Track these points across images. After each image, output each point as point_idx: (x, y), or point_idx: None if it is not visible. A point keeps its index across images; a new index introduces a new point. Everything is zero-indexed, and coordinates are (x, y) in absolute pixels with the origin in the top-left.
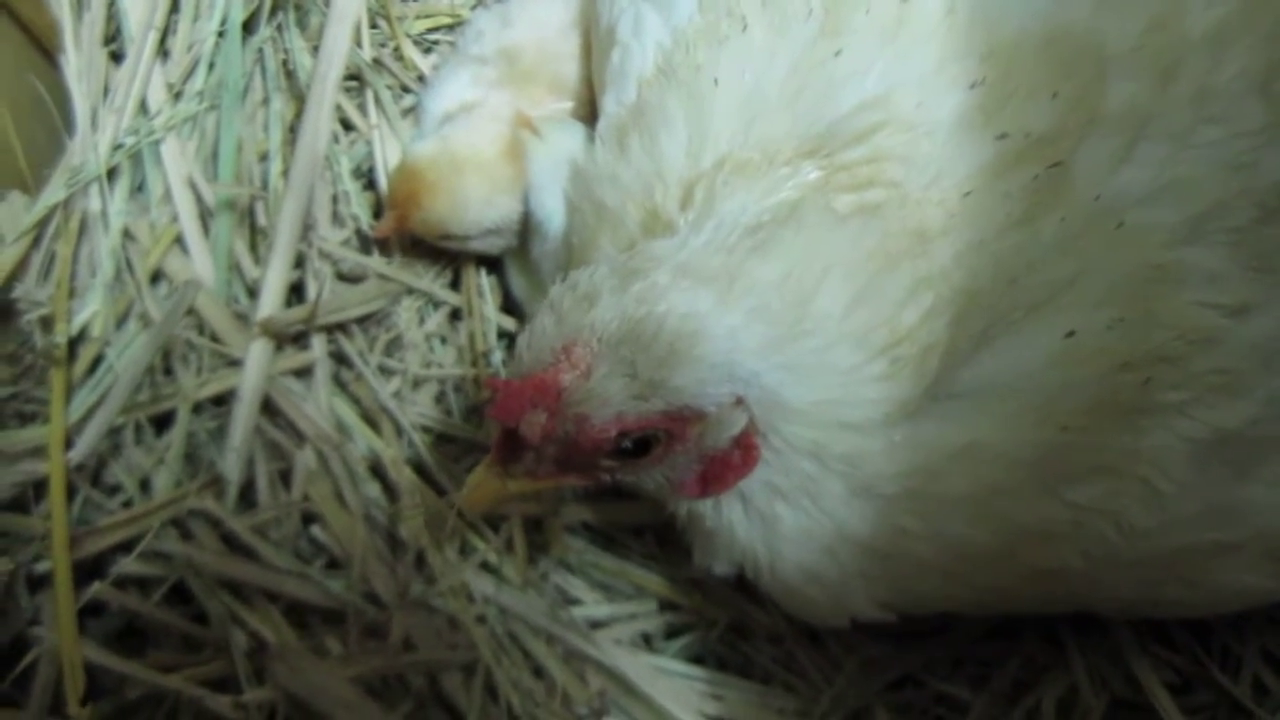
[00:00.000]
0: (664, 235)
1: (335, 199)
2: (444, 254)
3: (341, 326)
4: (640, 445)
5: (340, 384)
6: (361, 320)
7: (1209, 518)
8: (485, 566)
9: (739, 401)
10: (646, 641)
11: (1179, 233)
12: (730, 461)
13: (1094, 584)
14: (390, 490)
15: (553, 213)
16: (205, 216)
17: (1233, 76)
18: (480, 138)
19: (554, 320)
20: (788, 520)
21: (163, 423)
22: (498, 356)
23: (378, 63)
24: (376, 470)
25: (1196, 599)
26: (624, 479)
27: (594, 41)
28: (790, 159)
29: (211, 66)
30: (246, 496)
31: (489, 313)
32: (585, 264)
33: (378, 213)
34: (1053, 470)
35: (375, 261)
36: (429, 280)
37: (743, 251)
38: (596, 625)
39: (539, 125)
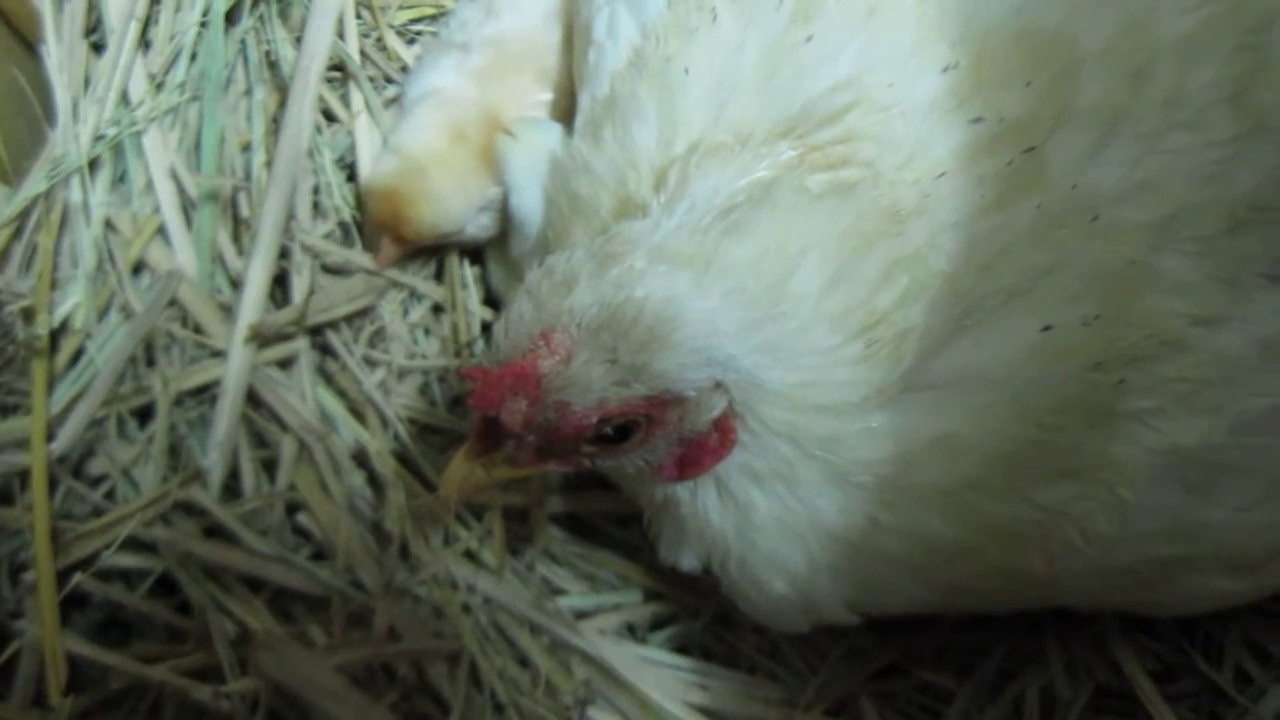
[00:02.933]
0: (637, 218)
1: (318, 190)
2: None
3: (329, 324)
4: (621, 431)
5: (324, 375)
6: (348, 316)
7: (1169, 533)
8: (470, 556)
9: (718, 385)
10: (631, 631)
11: (1148, 235)
12: (707, 444)
13: (1058, 587)
14: (375, 480)
15: (532, 212)
16: (187, 207)
17: (1203, 85)
18: (431, 134)
19: (531, 306)
20: (761, 507)
21: (145, 414)
22: (480, 348)
23: (361, 53)
24: (361, 460)
25: (1161, 601)
26: (604, 464)
27: (575, 36)
28: (763, 140)
29: (193, 57)
30: (230, 487)
31: (472, 306)
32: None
33: (359, 203)
34: (1025, 468)
35: (359, 255)
36: (412, 274)
37: (717, 233)
38: (581, 615)
39: (513, 126)
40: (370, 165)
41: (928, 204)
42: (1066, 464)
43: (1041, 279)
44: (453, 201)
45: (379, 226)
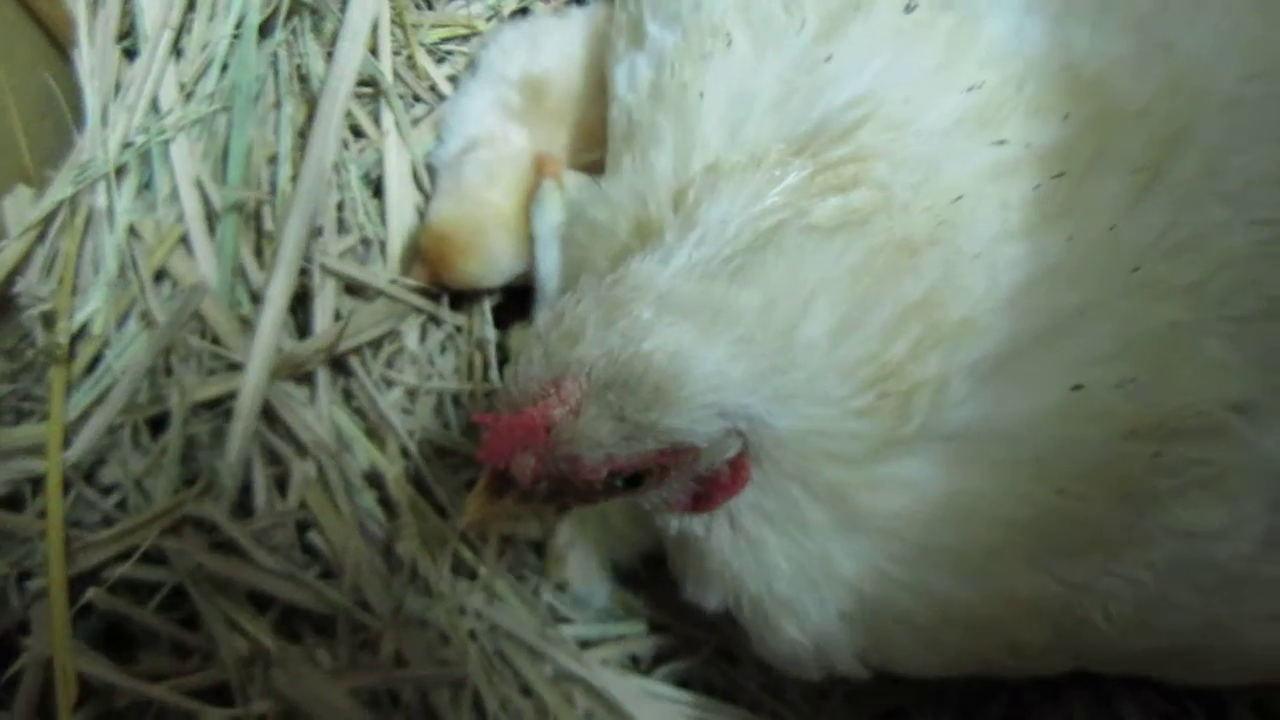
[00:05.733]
0: (655, 241)
1: (342, 205)
2: None
3: (352, 350)
4: (633, 478)
5: (342, 393)
6: (370, 342)
7: (1193, 629)
8: (478, 582)
9: (731, 429)
10: (634, 663)
11: (1191, 301)
12: (720, 481)
13: (1078, 659)
14: (387, 501)
15: (551, 272)
16: (211, 218)
17: (1250, 161)
18: (498, 193)
19: (541, 354)
20: (772, 546)
21: (158, 424)
22: (495, 374)
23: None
24: (373, 481)
25: (1179, 678)
26: (619, 502)
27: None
28: (777, 161)
29: (225, 68)
30: (242, 503)
31: (489, 334)
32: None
33: (384, 219)
34: (1047, 538)
35: (381, 275)
36: (432, 300)
37: (724, 279)
38: (585, 645)
39: (564, 175)
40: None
41: (942, 232)
42: (1092, 537)
43: (1071, 325)
44: (502, 262)
45: (425, 259)
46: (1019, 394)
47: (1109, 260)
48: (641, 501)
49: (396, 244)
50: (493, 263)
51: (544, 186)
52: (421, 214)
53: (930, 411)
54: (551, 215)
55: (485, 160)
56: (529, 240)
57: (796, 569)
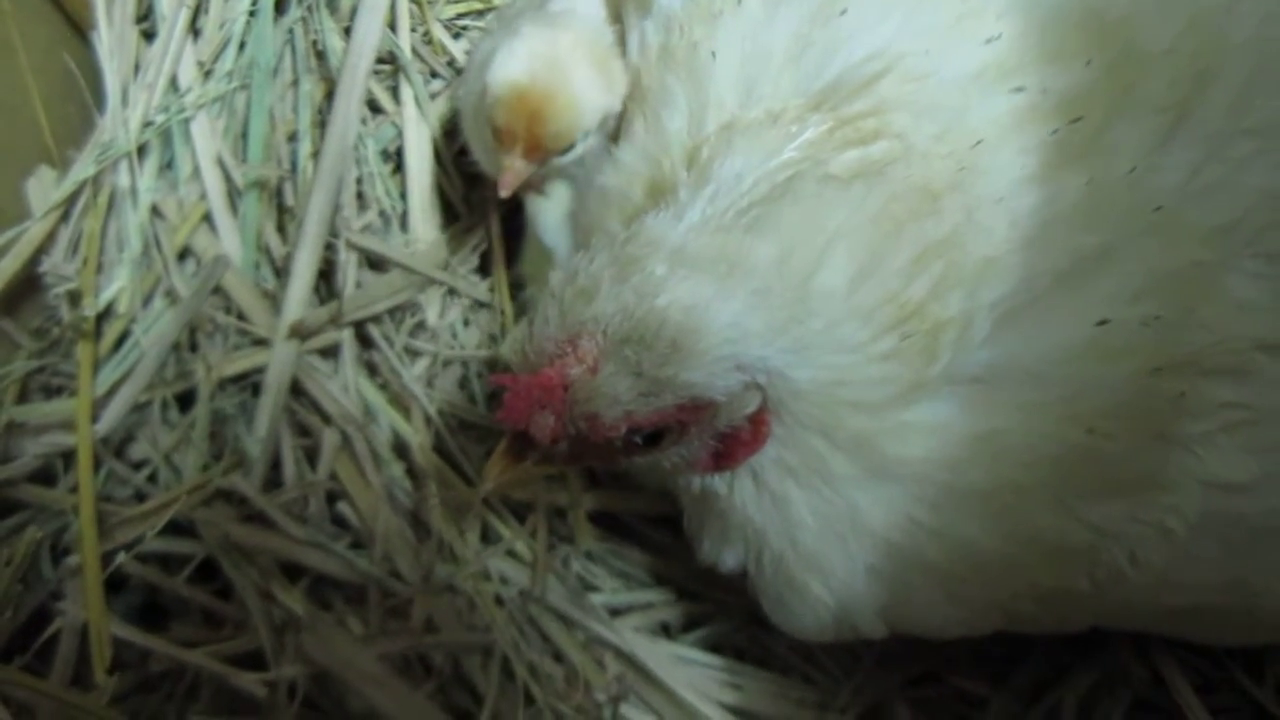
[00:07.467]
0: (669, 198)
1: (360, 180)
2: (470, 240)
3: (371, 318)
4: (653, 436)
5: (367, 365)
6: (389, 310)
7: (1215, 585)
8: (508, 552)
9: (750, 384)
10: (665, 630)
11: (1216, 240)
12: (741, 437)
13: (1101, 615)
14: (414, 472)
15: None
16: (233, 195)
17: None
18: (553, 31)
19: (557, 313)
20: (797, 500)
21: (186, 399)
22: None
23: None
24: (401, 452)
25: (1211, 637)
26: (640, 460)
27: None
28: (794, 118)
29: (242, 46)
30: (271, 476)
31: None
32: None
33: (403, 194)
34: (1074, 478)
35: (400, 251)
36: (452, 271)
37: (739, 231)
38: (616, 613)
39: (545, 186)
40: (501, 67)
41: (963, 178)
42: (1118, 477)
43: (1093, 265)
44: (591, 95)
45: (511, 137)
46: (1043, 332)
47: (1131, 201)
48: (663, 460)
49: (418, 217)
50: (581, 97)
51: (530, 202)
52: (445, 197)
53: (955, 351)
54: (553, 216)
55: (534, 20)
56: (600, 71)
57: (822, 523)
